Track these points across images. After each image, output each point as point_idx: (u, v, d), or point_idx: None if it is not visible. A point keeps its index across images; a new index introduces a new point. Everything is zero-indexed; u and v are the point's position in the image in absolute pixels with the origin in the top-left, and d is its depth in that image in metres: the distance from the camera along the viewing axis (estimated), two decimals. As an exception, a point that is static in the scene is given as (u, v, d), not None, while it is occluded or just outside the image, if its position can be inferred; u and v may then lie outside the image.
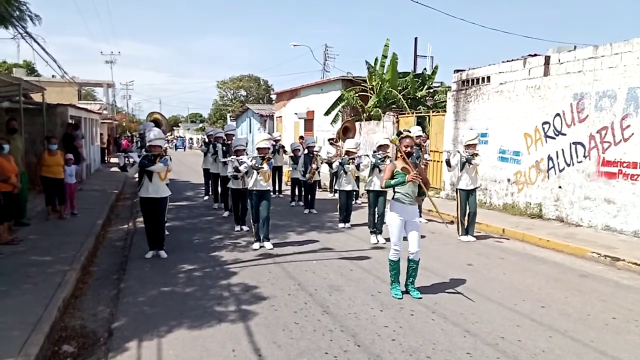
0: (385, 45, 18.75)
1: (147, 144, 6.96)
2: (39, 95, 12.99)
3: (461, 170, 8.40)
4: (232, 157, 8.31)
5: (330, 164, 10.55)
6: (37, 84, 12.86)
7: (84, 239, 7.63)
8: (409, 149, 5.52)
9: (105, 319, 4.81)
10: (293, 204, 12.43)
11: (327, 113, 20.04)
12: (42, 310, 4.56)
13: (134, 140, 13.21)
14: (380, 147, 8.23)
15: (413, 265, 5.47)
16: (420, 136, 10.18)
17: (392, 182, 5.39)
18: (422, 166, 10.09)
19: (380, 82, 18.48)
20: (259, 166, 7.49)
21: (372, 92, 19.06)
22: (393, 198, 5.52)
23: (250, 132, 34.92)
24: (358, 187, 11.72)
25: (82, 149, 14.54)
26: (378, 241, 8.16)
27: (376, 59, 19.08)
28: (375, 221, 8.27)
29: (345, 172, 9.18)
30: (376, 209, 8.24)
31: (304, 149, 12.13)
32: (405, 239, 5.48)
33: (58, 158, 9.29)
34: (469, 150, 8.34)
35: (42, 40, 11.96)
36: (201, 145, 14.05)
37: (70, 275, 5.71)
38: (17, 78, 11.75)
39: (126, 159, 7.12)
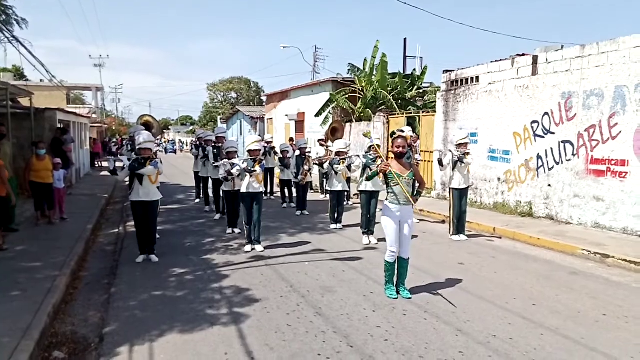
0: (375, 47, 18.79)
1: (137, 147, 6.92)
2: (27, 100, 12.87)
3: (453, 169, 8.44)
4: (225, 160, 8.29)
5: (321, 165, 10.56)
6: (24, 89, 12.76)
7: (74, 243, 7.56)
8: (400, 149, 5.44)
9: (96, 324, 4.77)
10: (284, 205, 12.42)
11: (318, 114, 20.06)
12: (31, 317, 4.52)
13: (124, 144, 13.12)
14: (371, 147, 8.25)
15: (403, 265, 5.48)
16: (410, 136, 10.22)
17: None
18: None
19: (369, 84, 18.53)
20: (252, 169, 7.46)
21: (361, 93, 19.12)
22: (386, 199, 5.50)
23: (241, 134, 34.84)
24: (349, 188, 11.74)
25: (71, 154, 14.44)
26: (370, 242, 8.17)
27: (365, 60, 19.17)
28: (368, 222, 8.27)
29: (336, 173, 9.19)
30: (368, 210, 8.24)
31: (294, 151, 12.13)
32: None
33: (46, 163, 9.20)
34: (460, 150, 8.38)
35: (29, 44, 11.88)
36: (191, 149, 13.98)
37: (60, 280, 5.66)
38: (4, 82, 11.63)
39: (116, 162, 7.08)
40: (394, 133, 5.70)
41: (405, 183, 5.35)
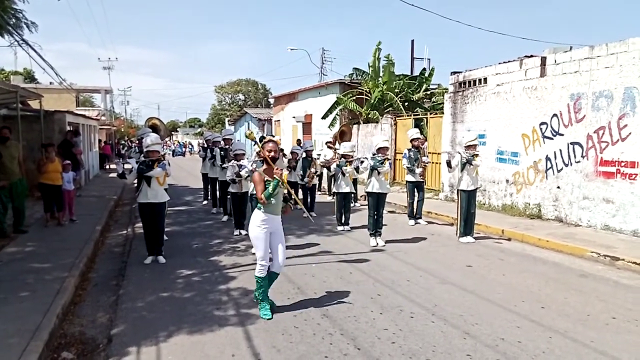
0: (378, 48, 18.74)
1: (145, 150, 6.98)
2: (37, 102, 12.99)
3: (461, 171, 8.40)
4: (233, 161, 8.32)
5: (328, 167, 10.56)
6: (34, 91, 12.87)
7: (83, 245, 7.61)
8: (272, 153, 4.94)
9: (104, 325, 4.80)
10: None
11: (325, 117, 20.07)
12: (40, 318, 4.55)
13: (132, 146, 13.21)
14: (379, 149, 8.25)
15: (275, 278, 5.17)
16: (418, 138, 10.22)
17: (270, 189, 4.77)
18: (422, 167, 10.13)
19: (375, 86, 18.51)
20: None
21: (368, 95, 19.11)
22: (257, 208, 4.96)
23: (248, 136, 34.87)
24: (356, 189, 11.72)
25: (81, 156, 14.53)
26: (378, 244, 8.15)
27: (371, 61, 19.14)
28: (375, 223, 8.25)
29: (343, 174, 9.21)
30: (376, 211, 8.23)
31: (300, 154, 12.16)
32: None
33: (56, 165, 9.27)
34: (469, 151, 8.34)
35: (39, 47, 11.98)
36: (199, 151, 14.05)
37: (69, 282, 5.70)
38: (14, 85, 11.74)
39: (124, 165, 7.14)
40: (263, 138, 5.40)
41: (277, 193, 4.90)
